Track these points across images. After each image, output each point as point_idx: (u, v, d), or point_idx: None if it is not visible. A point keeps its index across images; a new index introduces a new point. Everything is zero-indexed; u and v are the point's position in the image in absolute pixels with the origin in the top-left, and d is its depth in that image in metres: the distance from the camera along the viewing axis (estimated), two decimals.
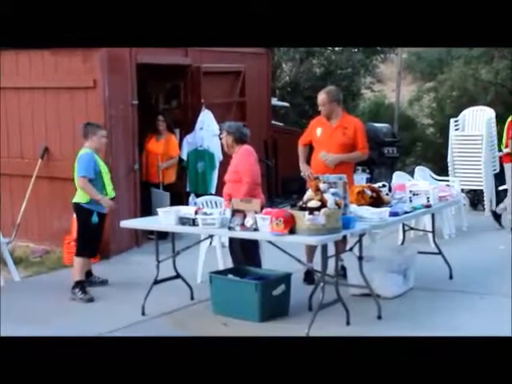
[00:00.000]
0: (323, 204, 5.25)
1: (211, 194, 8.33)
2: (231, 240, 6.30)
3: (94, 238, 6.68)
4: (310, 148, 6.95)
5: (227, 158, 6.46)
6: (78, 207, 6.64)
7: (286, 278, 5.95)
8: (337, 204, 5.31)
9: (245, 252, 6.20)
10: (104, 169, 6.73)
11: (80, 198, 6.60)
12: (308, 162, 6.85)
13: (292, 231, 5.22)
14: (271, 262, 6.32)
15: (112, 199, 6.73)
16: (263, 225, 5.34)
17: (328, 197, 5.31)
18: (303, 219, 5.17)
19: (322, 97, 6.74)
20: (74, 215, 6.88)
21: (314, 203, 5.26)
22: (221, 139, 6.53)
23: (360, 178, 10.46)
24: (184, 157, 9.37)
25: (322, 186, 5.44)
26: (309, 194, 5.43)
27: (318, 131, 6.76)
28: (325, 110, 6.73)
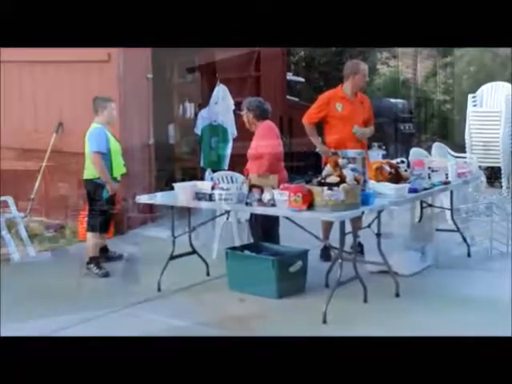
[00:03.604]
0: (342, 180, 5.17)
1: (224, 170, 8.28)
2: (251, 215, 6.24)
3: (105, 213, 6.63)
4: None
5: (250, 134, 6.37)
6: (88, 183, 6.57)
7: (303, 255, 5.89)
8: (356, 180, 5.23)
9: (264, 228, 6.14)
10: (115, 146, 6.60)
11: (90, 174, 6.52)
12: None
13: (310, 207, 5.16)
14: (287, 238, 6.27)
15: (123, 176, 6.68)
16: (281, 200, 5.27)
17: (347, 172, 5.24)
18: (322, 195, 5.09)
19: (366, 67, 6.77)
20: (85, 191, 6.84)
21: (333, 179, 5.18)
22: (242, 116, 6.44)
23: (376, 154, 10.36)
24: (198, 132, 9.32)
25: (340, 161, 5.36)
26: (328, 169, 5.35)
27: (339, 106, 6.58)
28: (366, 82, 6.88)
